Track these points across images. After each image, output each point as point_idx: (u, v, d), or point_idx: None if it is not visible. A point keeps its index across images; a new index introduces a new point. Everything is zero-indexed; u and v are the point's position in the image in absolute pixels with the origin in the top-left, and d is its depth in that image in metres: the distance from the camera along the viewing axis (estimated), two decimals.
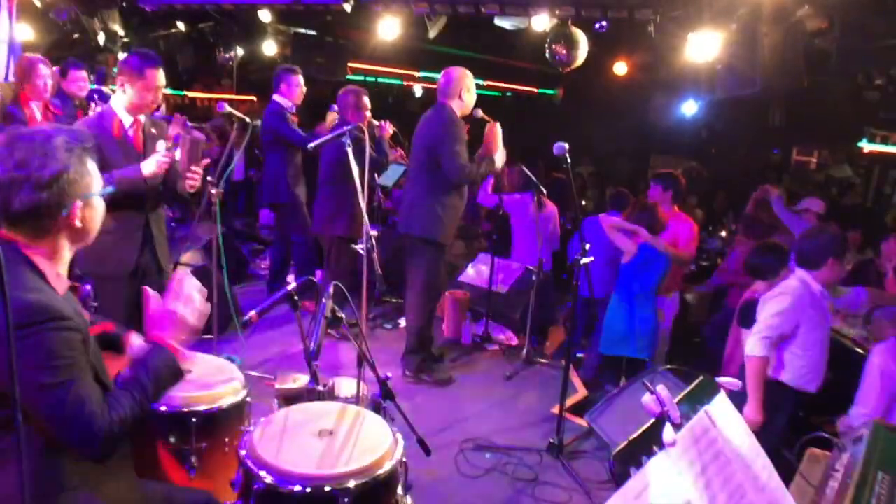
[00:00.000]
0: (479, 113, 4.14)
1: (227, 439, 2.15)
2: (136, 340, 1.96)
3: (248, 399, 2.27)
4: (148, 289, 1.78)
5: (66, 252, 1.59)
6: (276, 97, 5.01)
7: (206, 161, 3.22)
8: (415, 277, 4.14)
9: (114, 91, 3.21)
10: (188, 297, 1.70)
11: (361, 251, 3.31)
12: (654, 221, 4.12)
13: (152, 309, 1.72)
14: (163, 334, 1.67)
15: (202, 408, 2.09)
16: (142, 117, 3.12)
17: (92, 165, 1.59)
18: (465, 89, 4.03)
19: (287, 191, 5.03)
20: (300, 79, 5.02)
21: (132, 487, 1.74)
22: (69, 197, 1.51)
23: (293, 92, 4.98)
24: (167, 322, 1.68)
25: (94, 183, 1.59)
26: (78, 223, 1.55)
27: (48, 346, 1.42)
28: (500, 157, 4.07)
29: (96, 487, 1.60)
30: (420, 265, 4.10)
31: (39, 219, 1.50)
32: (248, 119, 3.77)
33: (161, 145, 3.05)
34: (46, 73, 4.55)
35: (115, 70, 5.31)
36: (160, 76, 3.07)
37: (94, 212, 1.61)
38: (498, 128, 4.06)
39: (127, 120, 3.09)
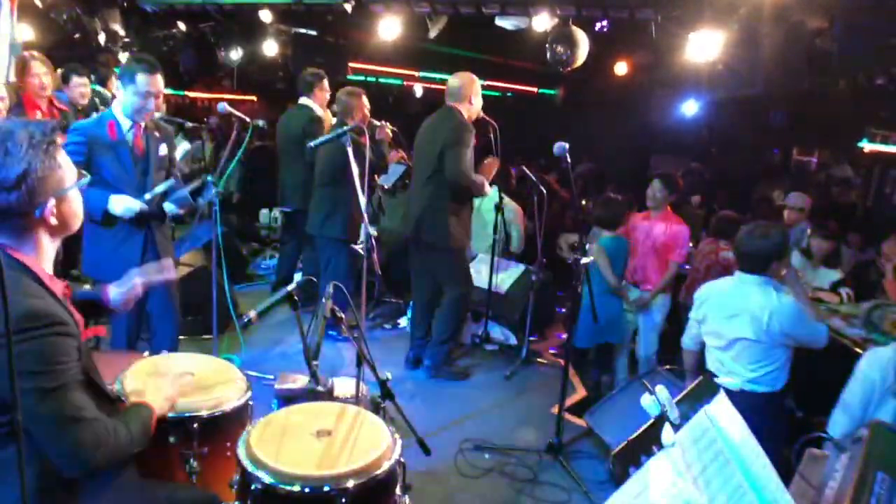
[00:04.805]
0: (480, 113, 4.15)
1: (228, 443, 2.10)
2: (112, 293, 2.00)
3: (251, 402, 2.24)
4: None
5: (50, 247, 1.57)
6: (310, 102, 4.97)
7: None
8: (444, 280, 4.19)
9: (114, 96, 3.20)
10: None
11: (361, 252, 3.31)
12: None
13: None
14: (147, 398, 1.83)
15: (204, 413, 2.04)
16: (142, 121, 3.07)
17: (63, 158, 1.51)
18: (475, 94, 4.06)
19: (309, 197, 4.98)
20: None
21: (137, 488, 1.74)
22: (41, 195, 1.45)
23: (325, 97, 5.02)
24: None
25: (66, 177, 1.52)
26: (54, 220, 1.50)
27: (46, 350, 1.41)
28: (486, 187, 4.22)
29: (100, 491, 1.60)
30: (448, 271, 4.15)
31: (14, 220, 1.46)
32: (248, 119, 3.76)
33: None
34: (41, 71, 4.47)
35: (117, 70, 5.31)
36: (153, 82, 2.97)
37: (70, 205, 1.56)
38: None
39: (125, 124, 3.04)
